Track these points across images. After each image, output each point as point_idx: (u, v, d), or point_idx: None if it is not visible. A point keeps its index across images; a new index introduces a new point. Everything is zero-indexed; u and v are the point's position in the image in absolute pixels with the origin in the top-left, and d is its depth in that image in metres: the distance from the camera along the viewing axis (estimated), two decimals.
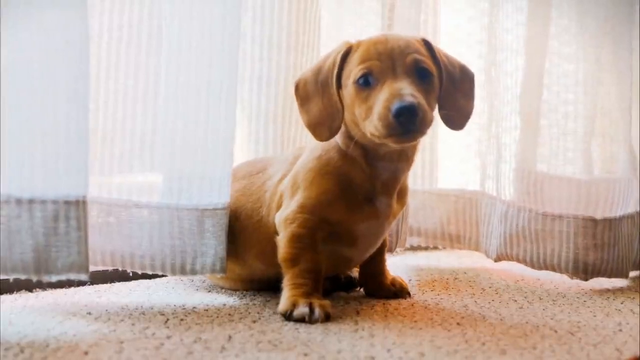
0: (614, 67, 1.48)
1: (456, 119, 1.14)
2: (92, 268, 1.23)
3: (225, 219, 1.17)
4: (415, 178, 1.59)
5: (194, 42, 1.15)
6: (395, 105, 1.00)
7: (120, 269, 1.18)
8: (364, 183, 1.12)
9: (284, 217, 1.12)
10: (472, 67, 1.56)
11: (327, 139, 1.11)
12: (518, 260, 1.45)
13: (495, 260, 1.48)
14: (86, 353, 0.88)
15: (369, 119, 1.04)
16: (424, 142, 1.60)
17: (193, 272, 1.17)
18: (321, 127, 1.11)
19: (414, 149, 1.14)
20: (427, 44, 1.12)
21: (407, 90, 1.02)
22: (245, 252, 1.20)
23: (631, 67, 1.49)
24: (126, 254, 1.16)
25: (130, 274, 1.29)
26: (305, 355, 0.89)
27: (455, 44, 1.63)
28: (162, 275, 1.30)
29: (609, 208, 1.44)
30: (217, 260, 1.17)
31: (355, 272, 1.31)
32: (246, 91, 1.38)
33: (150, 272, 1.18)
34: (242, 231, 1.19)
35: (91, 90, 1.17)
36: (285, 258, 1.11)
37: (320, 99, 1.11)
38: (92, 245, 1.15)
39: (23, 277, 1.00)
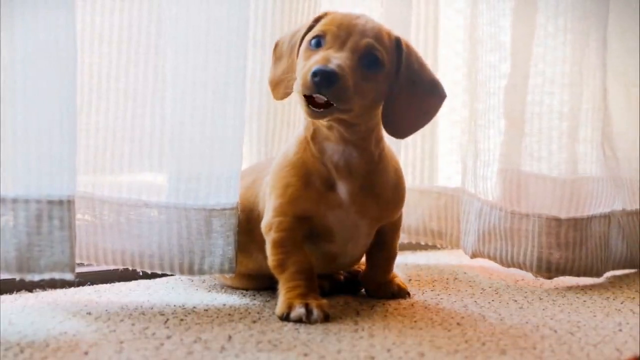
0: (592, 66, 1.49)
1: (397, 126, 1.12)
2: (102, 267, 1.26)
3: (233, 219, 1.17)
4: (406, 176, 1.58)
5: (201, 42, 1.15)
6: (315, 67, 1.00)
7: (130, 268, 1.18)
8: (319, 168, 1.11)
9: (264, 225, 1.13)
10: (466, 66, 1.58)
11: (282, 97, 1.13)
12: (489, 258, 1.47)
13: (471, 257, 1.50)
14: (86, 353, 0.88)
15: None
16: (415, 141, 1.60)
17: (201, 272, 1.18)
18: (279, 86, 1.13)
19: (357, 132, 1.10)
20: (398, 42, 1.11)
21: (336, 60, 1.02)
22: (251, 243, 1.20)
23: (604, 66, 1.49)
24: (136, 253, 1.17)
25: (131, 273, 1.29)
26: (305, 355, 0.89)
27: (455, 44, 1.63)
28: (162, 275, 1.30)
29: (575, 208, 1.44)
30: (225, 261, 1.17)
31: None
32: None
33: (159, 272, 1.18)
34: (247, 223, 1.20)
35: (101, 90, 1.18)
36: (274, 265, 1.11)
37: (287, 59, 1.13)
38: (102, 244, 1.17)
39: (6, 276, 1.01)
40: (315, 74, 1.00)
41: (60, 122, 1.02)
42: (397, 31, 1.15)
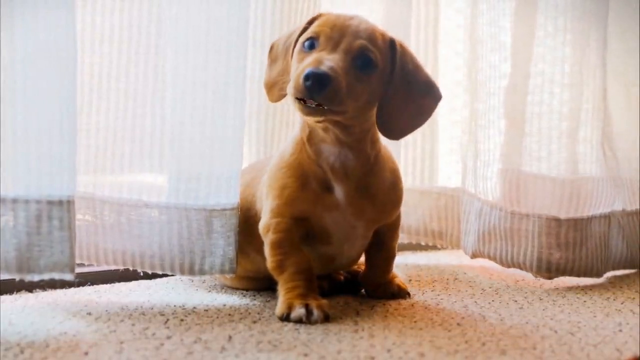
0: (592, 66, 1.49)
1: (392, 127, 1.11)
2: (103, 267, 1.26)
3: (234, 219, 1.17)
4: (406, 176, 1.59)
5: (201, 42, 1.15)
6: (308, 69, 1.00)
7: (130, 268, 1.18)
8: (316, 169, 1.11)
9: (262, 226, 1.13)
10: (466, 66, 1.58)
11: (277, 99, 1.14)
12: (489, 258, 1.47)
13: (472, 257, 1.50)
14: (86, 353, 0.88)
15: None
16: (415, 140, 1.60)
17: (202, 272, 1.18)
18: (274, 88, 1.13)
19: (352, 133, 1.10)
20: (392, 43, 1.10)
21: (328, 63, 1.01)
22: (249, 244, 1.20)
23: (604, 66, 1.49)
24: (136, 253, 1.17)
25: (131, 274, 1.29)
26: (305, 355, 0.89)
27: (455, 44, 1.63)
28: (163, 275, 1.30)
29: (575, 208, 1.45)
30: (225, 261, 1.17)
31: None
32: None
33: (160, 272, 1.19)
34: (245, 222, 1.20)
35: (101, 90, 1.18)
36: (272, 267, 1.11)
37: (282, 61, 1.13)
38: (103, 244, 1.17)
39: (6, 276, 1.01)
40: (307, 77, 0.99)
41: (60, 122, 1.02)
42: (397, 32, 1.15)
